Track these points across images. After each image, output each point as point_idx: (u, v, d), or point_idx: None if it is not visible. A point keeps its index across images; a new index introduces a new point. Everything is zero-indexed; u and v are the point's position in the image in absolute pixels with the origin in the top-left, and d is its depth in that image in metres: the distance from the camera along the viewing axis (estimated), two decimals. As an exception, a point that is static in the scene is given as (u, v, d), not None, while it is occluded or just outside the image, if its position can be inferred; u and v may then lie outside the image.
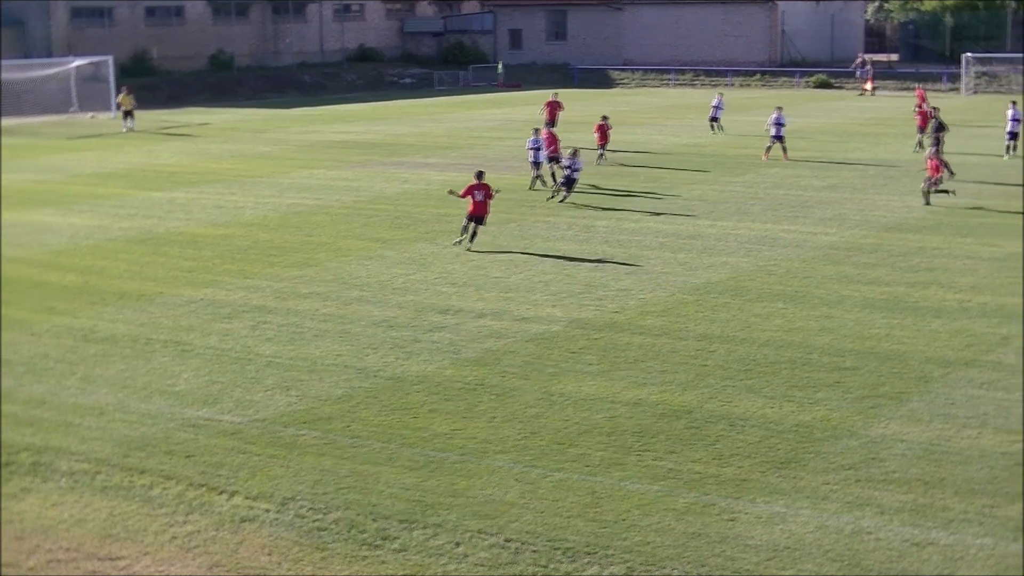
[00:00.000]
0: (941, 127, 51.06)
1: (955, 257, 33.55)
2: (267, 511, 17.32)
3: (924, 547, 16.13)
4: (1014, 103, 54.19)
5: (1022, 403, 21.38)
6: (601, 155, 52.47)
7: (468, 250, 34.39)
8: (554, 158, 45.64)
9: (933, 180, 41.29)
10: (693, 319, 27.52)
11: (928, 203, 40.84)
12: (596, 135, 52.59)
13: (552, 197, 42.89)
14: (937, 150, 44.58)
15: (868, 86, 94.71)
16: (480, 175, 35.34)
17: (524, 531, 16.61)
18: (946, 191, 41.36)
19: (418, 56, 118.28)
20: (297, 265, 33.15)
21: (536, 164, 46.27)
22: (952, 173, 45.85)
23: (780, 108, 55.81)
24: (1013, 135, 53.01)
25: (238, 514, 17.26)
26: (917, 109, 58.31)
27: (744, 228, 37.89)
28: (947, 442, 19.87)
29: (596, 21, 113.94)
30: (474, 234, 35.02)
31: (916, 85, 79.94)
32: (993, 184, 46.48)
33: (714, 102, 66.85)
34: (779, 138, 54.06)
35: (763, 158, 53.96)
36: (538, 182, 46.15)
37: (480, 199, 34.82)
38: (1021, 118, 52.94)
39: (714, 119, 65.60)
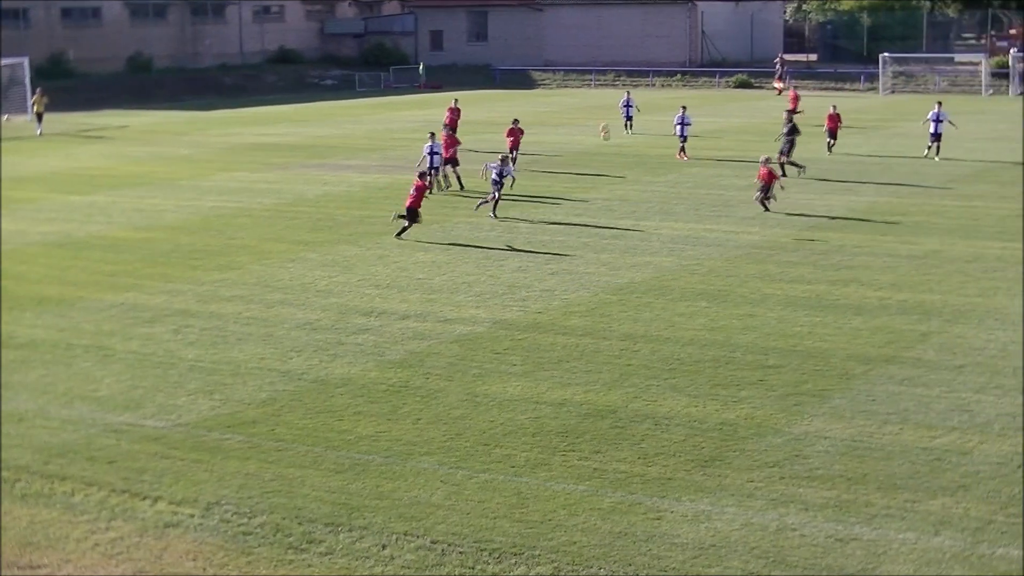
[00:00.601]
0: (794, 131, 49.41)
1: (875, 255, 33.87)
2: (191, 516, 17.17)
3: (848, 543, 16.26)
4: (939, 104, 54.00)
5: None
6: (512, 159, 50.00)
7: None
8: (450, 160, 45.70)
9: (764, 188, 40.19)
10: (617, 319, 27.59)
11: (767, 210, 40.27)
12: (507, 139, 50.55)
13: (485, 204, 40.95)
14: (786, 152, 45.33)
15: (778, 84, 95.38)
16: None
17: (450, 533, 16.57)
18: (767, 200, 40.34)
19: (339, 57, 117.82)
20: (219, 268, 32.93)
21: (434, 169, 44.50)
22: (801, 168, 47.15)
23: (684, 108, 56.30)
24: (936, 136, 52.69)
25: (162, 520, 17.10)
26: (788, 113, 55.03)
27: (667, 228, 38.04)
28: (869, 438, 20.05)
29: (517, 22, 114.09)
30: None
31: (792, 86, 78.86)
32: (911, 185, 46.95)
33: (622, 102, 67.18)
34: (682, 137, 55.03)
35: (677, 157, 54.40)
36: (435, 186, 44.47)
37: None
38: (945, 119, 52.73)
39: (628, 119, 65.94)
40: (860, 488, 18.02)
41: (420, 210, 36.60)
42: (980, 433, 20.19)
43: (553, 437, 20.23)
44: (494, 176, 40.17)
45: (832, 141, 55.43)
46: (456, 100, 59.73)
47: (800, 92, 77.67)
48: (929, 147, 53.19)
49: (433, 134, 46.02)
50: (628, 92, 70.88)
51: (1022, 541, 15.80)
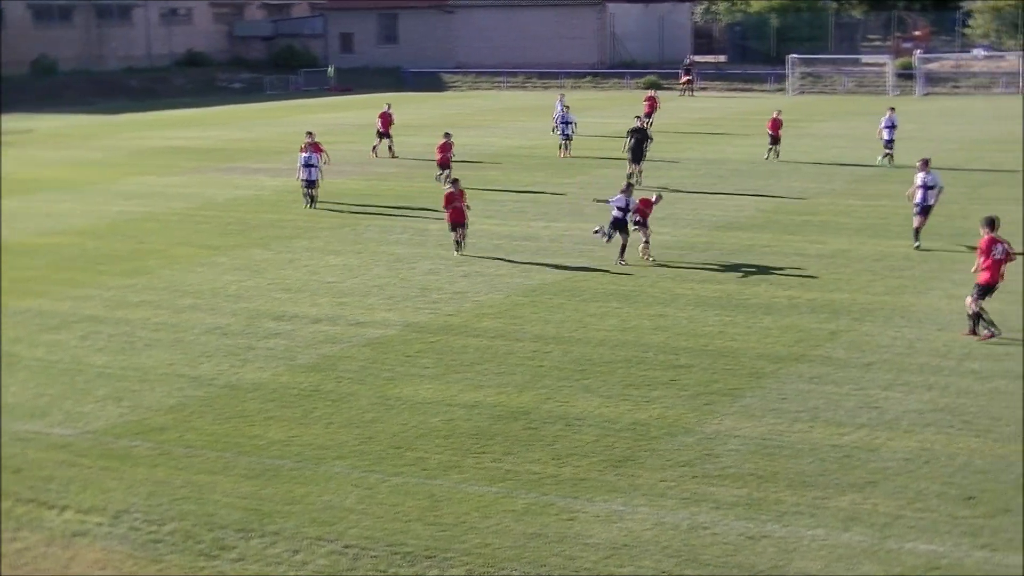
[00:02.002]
0: (641, 133, 47.96)
1: (784, 255, 34.14)
2: (100, 525, 16.97)
3: (759, 540, 16.36)
4: (892, 109, 53.32)
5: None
6: (441, 175, 46.49)
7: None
8: (446, 164, 45.64)
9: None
10: (529, 320, 27.61)
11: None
12: (438, 154, 48.26)
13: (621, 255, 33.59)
14: (637, 160, 46.19)
15: (684, 80, 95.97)
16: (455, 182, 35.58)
17: (363, 537, 16.50)
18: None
19: (248, 60, 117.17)
20: (127, 273, 32.59)
21: (310, 183, 42.61)
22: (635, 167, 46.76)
23: (567, 107, 56.69)
24: (890, 142, 51.76)
25: (69, 529, 16.88)
26: (643, 119, 53.47)
27: (577, 229, 38.11)
28: (779, 436, 20.19)
29: (428, 24, 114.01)
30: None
31: (650, 92, 77.56)
32: (818, 185, 47.39)
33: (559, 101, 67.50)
34: (566, 136, 55.72)
35: (559, 156, 54.96)
36: (312, 201, 42.79)
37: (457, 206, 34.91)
38: (897, 125, 52.17)
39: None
40: (771, 486, 18.14)
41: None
42: (888, 430, 20.40)
43: (466, 439, 20.20)
44: (616, 213, 33.47)
45: (773, 147, 54.36)
46: (389, 104, 59.37)
47: (711, 93, 78.43)
48: (887, 154, 51.98)
49: (308, 144, 43.50)
50: (562, 94, 71.07)
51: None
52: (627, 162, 47.26)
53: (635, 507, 17.46)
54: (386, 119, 57.00)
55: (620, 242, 33.06)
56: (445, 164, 47.62)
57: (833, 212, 40.92)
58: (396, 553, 16.01)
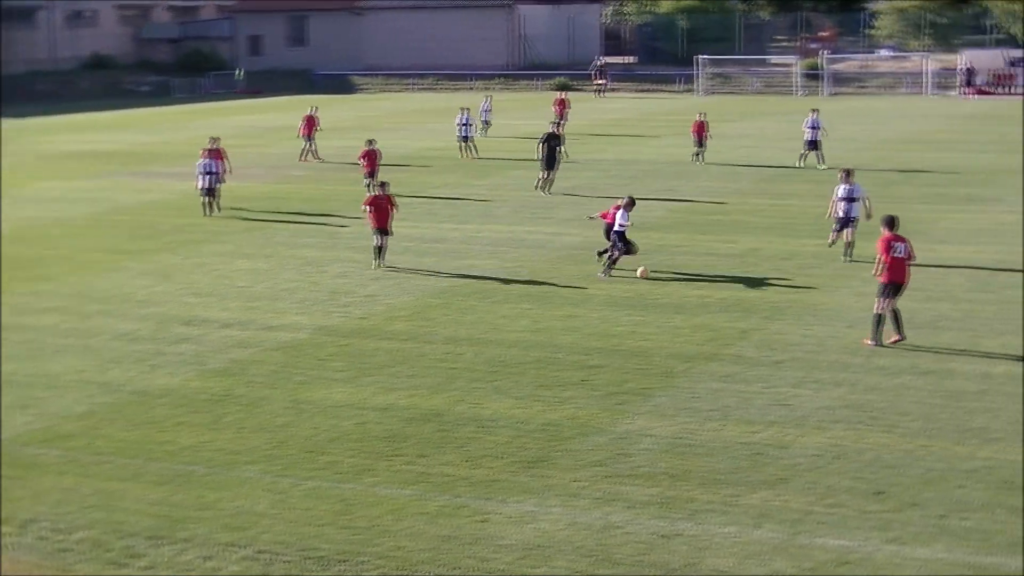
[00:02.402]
0: (554, 139, 46.30)
1: (695, 254, 34.34)
2: (6, 534, 16.71)
3: (672, 538, 16.43)
4: (814, 111, 53.14)
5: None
6: (370, 184, 42.94)
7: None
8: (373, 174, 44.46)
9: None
10: (440, 322, 27.57)
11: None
12: (363, 161, 46.15)
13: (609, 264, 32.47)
14: (550, 167, 45.03)
15: (598, 82, 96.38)
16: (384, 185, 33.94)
17: (276, 542, 16.39)
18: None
19: (155, 63, 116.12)
20: (34, 280, 32.17)
21: (209, 191, 41.58)
22: (549, 172, 45.76)
23: (466, 109, 56.96)
24: (812, 143, 51.49)
25: (-24, 539, 16.63)
26: (558, 124, 51.55)
27: (488, 230, 38.14)
28: (691, 435, 20.30)
29: (337, 26, 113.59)
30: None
31: (560, 94, 77.01)
32: (727, 185, 47.72)
33: (484, 105, 67.56)
34: (465, 138, 55.96)
35: (461, 158, 55.10)
36: (210, 209, 41.78)
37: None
38: (820, 126, 51.93)
39: (486, 123, 66.32)
40: (683, 484, 18.23)
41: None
42: (798, 427, 20.57)
43: (378, 442, 20.14)
44: (618, 227, 32.14)
45: (698, 149, 53.59)
46: (315, 107, 58.86)
47: (622, 94, 78.77)
48: (803, 155, 51.64)
49: (209, 151, 42.28)
50: (489, 96, 71.17)
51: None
52: (540, 168, 46.13)
53: (548, 507, 17.47)
54: (311, 122, 56.65)
55: (616, 256, 31.83)
56: (373, 172, 45.23)
57: (743, 212, 41.22)
58: (309, 558, 15.92)
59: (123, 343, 26.17)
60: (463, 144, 56.39)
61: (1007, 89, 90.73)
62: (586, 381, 23.19)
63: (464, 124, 56.53)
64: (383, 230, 32.93)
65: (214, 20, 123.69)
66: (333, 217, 40.95)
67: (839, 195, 32.56)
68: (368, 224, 33.40)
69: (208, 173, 41.55)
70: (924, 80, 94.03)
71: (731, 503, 17.54)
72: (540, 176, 45.83)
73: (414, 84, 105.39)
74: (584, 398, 22.22)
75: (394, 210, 33.49)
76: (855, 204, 32.52)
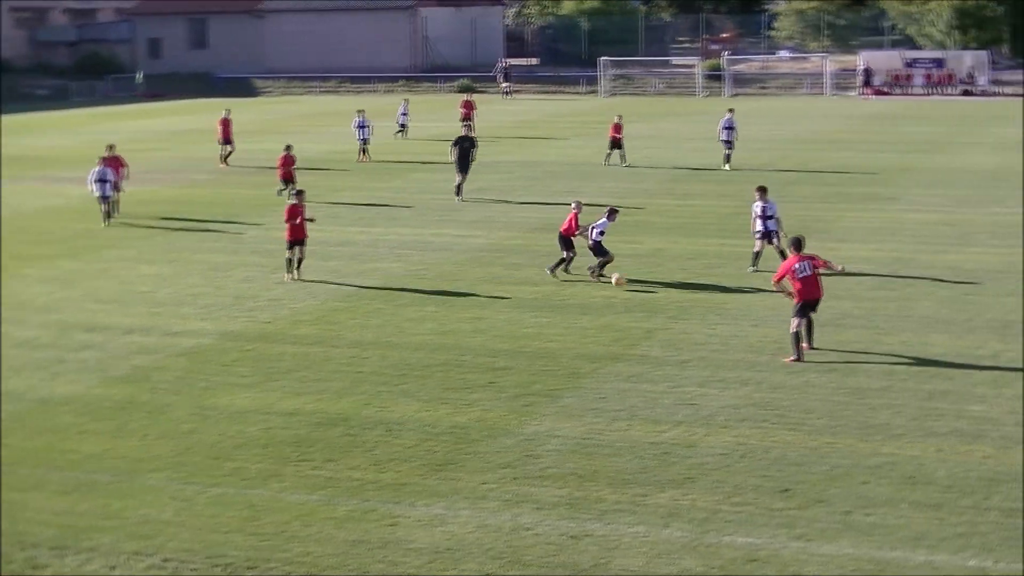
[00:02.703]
0: (466, 142, 45.10)
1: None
2: (-94, 547, 16.43)
3: (581, 539, 16.46)
4: (731, 111, 53.19)
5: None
6: (283, 191, 43.20)
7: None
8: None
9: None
10: (346, 326, 27.46)
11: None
12: (279, 168, 45.34)
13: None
14: (463, 170, 43.86)
15: (503, 84, 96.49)
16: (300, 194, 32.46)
17: (182, 549, 16.23)
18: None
19: (52, 66, 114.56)
20: (-69, 287, 31.64)
21: (105, 198, 40.35)
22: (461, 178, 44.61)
23: (362, 111, 56.61)
24: (728, 143, 51.39)
25: None
26: (470, 126, 52.12)
27: (394, 233, 38.04)
28: (599, 435, 20.36)
29: (238, 29, 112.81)
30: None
31: (466, 96, 76.07)
32: (632, 185, 47.93)
33: (401, 109, 67.55)
34: (364, 140, 55.74)
35: (359, 160, 55.23)
36: (108, 217, 40.60)
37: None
38: (735, 126, 51.84)
39: (403, 126, 66.14)
40: (591, 485, 18.28)
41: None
42: (705, 426, 20.70)
43: (285, 448, 20.01)
44: (596, 236, 31.78)
45: (611, 152, 52.92)
46: (228, 111, 58.01)
47: (523, 96, 78.87)
48: (727, 156, 51.55)
49: (104, 158, 41.15)
50: (405, 100, 70.93)
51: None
52: (455, 172, 44.94)
53: (457, 510, 17.45)
54: (226, 125, 55.89)
55: (603, 260, 31.33)
56: (288, 178, 44.50)
57: (647, 212, 41.41)
58: (216, 565, 15.78)
59: (23, 351, 25.79)
60: (361, 147, 56.07)
61: (904, 89, 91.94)
62: (493, 383, 23.18)
63: (361, 127, 56.18)
64: (298, 241, 31.66)
65: (112, 23, 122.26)
66: (237, 222, 40.65)
67: (756, 212, 31.98)
68: (286, 236, 31.79)
69: (101, 181, 40.38)
70: (824, 81, 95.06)
71: (639, 503, 17.61)
72: (457, 180, 44.47)
73: (317, 87, 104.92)
74: (491, 400, 22.21)
75: (307, 216, 32.08)
76: (771, 221, 31.89)
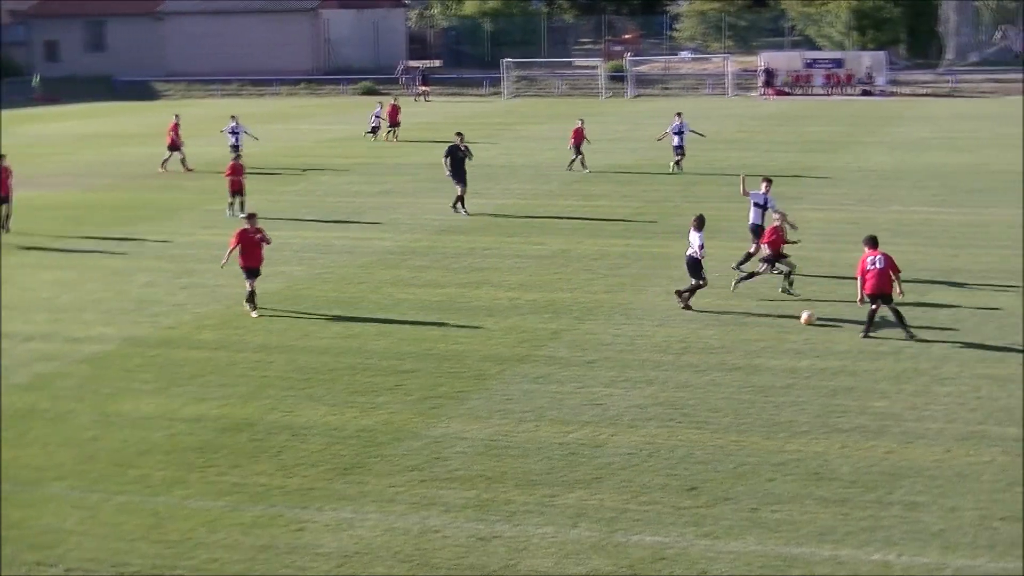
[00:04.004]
0: (460, 152, 42.97)
1: (504, 256, 34.47)
2: None
3: (490, 541, 16.45)
4: (680, 114, 52.25)
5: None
6: (233, 203, 41.69)
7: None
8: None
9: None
10: (251, 330, 27.25)
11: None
12: (227, 178, 42.35)
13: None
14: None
15: (423, 88, 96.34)
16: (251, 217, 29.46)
17: (86, 559, 16.02)
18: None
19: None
20: None
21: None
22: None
23: (236, 118, 55.65)
24: (680, 148, 50.79)
25: None
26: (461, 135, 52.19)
27: (298, 237, 37.81)
28: (506, 437, 20.36)
29: (137, 32, 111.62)
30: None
31: (392, 101, 74.41)
32: (536, 187, 48.01)
33: (375, 112, 67.27)
34: (235, 147, 54.46)
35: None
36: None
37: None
38: (687, 130, 51.12)
39: (375, 128, 65.83)
40: (499, 486, 18.27)
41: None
42: (612, 426, 20.76)
43: (190, 454, 19.82)
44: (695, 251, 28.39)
45: (576, 156, 51.65)
46: (177, 115, 56.92)
47: (427, 98, 78.71)
48: (677, 160, 50.90)
49: None
50: (379, 103, 70.32)
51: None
52: (452, 184, 42.12)
53: (365, 514, 17.38)
54: (175, 129, 54.98)
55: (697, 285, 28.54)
56: (237, 190, 41.82)
57: (551, 213, 41.48)
58: (121, 574, 15.61)
59: (-79, 359, 25.37)
60: (234, 155, 54.35)
61: (804, 90, 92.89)
62: (399, 386, 23.12)
63: (234, 133, 55.12)
64: (254, 270, 28.63)
65: (8, 25, 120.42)
66: (139, 226, 40.22)
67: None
68: (240, 264, 28.74)
69: None
70: (725, 81, 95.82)
71: (547, 503, 17.63)
72: (458, 191, 41.77)
73: (218, 90, 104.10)
74: (398, 403, 22.15)
75: (264, 239, 28.87)
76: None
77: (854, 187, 45.86)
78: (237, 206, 40.62)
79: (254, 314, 28.41)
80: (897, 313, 25.66)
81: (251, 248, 28.47)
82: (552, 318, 27.86)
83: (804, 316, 26.97)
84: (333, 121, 74.98)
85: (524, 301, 29.44)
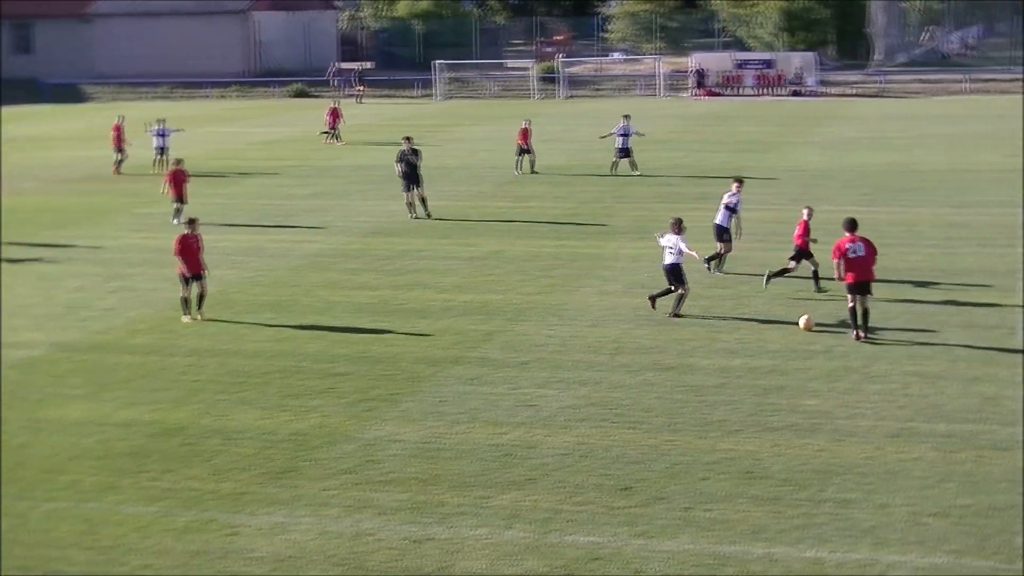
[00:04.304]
0: (414, 156, 41.93)
1: (437, 258, 34.44)
2: None
3: (424, 543, 16.44)
4: (626, 117, 52.05)
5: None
6: (178, 211, 40.25)
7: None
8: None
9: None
10: (182, 335, 27.08)
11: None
12: (169, 186, 41.07)
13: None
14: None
15: (359, 89, 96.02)
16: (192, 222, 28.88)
17: (15, 567, 15.86)
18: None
19: None
20: None
21: None
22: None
23: (162, 121, 55.05)
24: (624, 151, 50.24)
25: None
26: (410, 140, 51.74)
27: (229, 240, 37.57)
28: (440, 439, 20.34)
29: (65, 34, 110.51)
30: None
31: (332, 104, 73.67)
32: (467, 189, 47.98)
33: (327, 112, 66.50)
34: (160, 149, 53.71)
35: (156, 175, 53.30)
36: None
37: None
38: (632, 132, 50.80)
39: (331, 129, 65.06)
40: (433, 488, 18.26)
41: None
42: (545, 427, 20.80)
43: (121, 459, 19.67)
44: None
45: (520, 158, 50.93)
46: (122, 117, 56.09)
47: (363, 100, 78.44)
48: (615, 162, 50.39)
49: None
50: (335, 105, 69.75)
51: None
52: (401, 189, 41.75)
53: (299, 518, 17.32)
54: (119, 132, 54.33)
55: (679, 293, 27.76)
56: (181, 197, 40.74)
57: (484, 215, 41.49)
58: (52, 581, 15.47)
59: None
60: (158, 158, 53.78)
61: (735, 90, 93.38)
62: (333, 389, 23.05)
63: (159, 135, 54.40)
64: (196, 276, 28.20)
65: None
66: (68, 230, 39.86)
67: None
68: (179, 272, 28.34)
69: None
70: (657, 82, 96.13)
71: (481, 505, 17.63)
72: (406, 199, 41.35)
73: (148, 92, 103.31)
74: (331, 406, 22.08)
75: (202, 249, 28.62)
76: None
77: (785, 187, 46.15)
78: (178, 213, 39.96)
79: (185, 319, 28.09)
80: (866, 312, 25.61)
81: (192, 255, 28.02)
82: (485, 319, 27.86)
83: (803, 321, 26.45)
84: (264, 124, 74.67)
85: (457, 303, 29.43)
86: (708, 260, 31.33)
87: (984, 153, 54.08)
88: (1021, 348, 25.04)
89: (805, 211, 30.11)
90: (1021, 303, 28.47)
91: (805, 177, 48.53)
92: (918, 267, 31.87)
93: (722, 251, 31.71)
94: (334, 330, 27.21)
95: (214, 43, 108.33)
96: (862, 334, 25.46)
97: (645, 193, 45.23)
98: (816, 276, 29.51)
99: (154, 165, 53.30)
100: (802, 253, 29.71)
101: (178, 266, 27.99)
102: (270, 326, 27.66)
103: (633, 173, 49.95)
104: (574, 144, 56.76)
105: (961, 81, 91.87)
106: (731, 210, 31.58)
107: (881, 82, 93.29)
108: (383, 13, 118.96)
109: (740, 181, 32.43)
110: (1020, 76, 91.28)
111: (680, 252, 27.27)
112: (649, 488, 18.12)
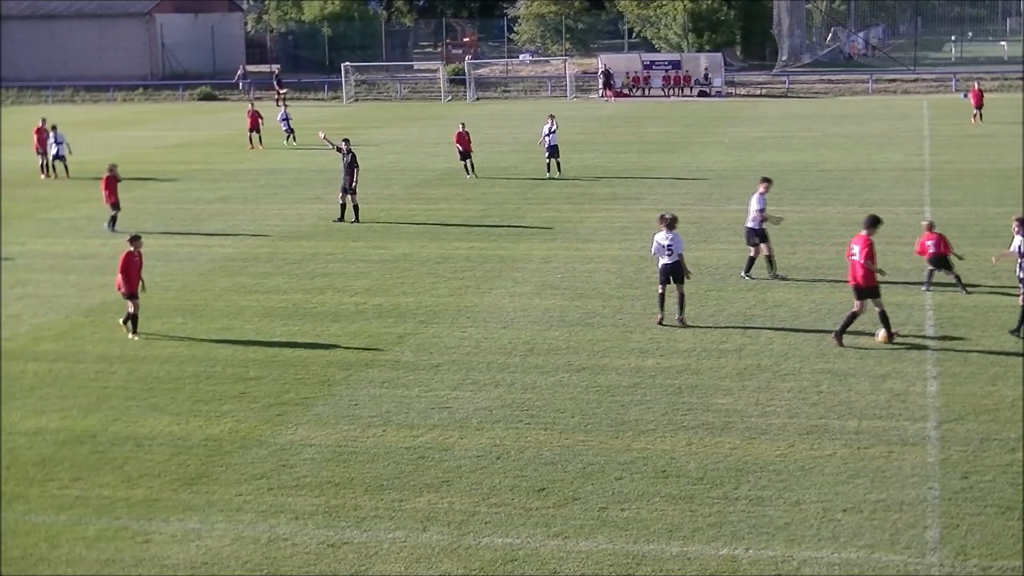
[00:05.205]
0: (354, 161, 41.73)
1: (348, 261, 34.29)
2: None
3: (339, 547, 16.37)
4: (552, 117, 51.60)
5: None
6: (114, 219, 39.93)
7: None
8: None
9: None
10: (90, 341, 26.77)
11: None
12: (104, 191, 40.06)
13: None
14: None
15: (281, 90, 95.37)
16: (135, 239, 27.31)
17: (-77, 579, 15.60)
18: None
19: None
20: None
21: None
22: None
23: (55, 127, 54.22)
24: (554, 149, 50.01)
25: None
26: (347, 142, 50.58)
27: (137, 244, 37.13)
28: (354, 442, 20.26)
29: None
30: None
31: (251, 107, 73.26)
32: (377, 191, 47.83)
33: (281, 114, 66.13)
34: (59, 157, 53.02)
35: (46, 176, 53.10)
36: None
37: None
38: (556, 130, 50.42)
39: (289, 130, 64.34)
40: (348, 492, 18.19)
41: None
42: (459, 429, 20.77)
43: (29, 468, 19.41)
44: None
45: (466, 161, 50.57)
46: (44, 119, 55.17)
47: (266, 103, 77.89)
48: (548, 162, 50.13)
49: None
50: (285, 105, 68.75)
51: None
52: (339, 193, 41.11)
53: (212, 524, 17.18)
54: (41, 135, 53.41)
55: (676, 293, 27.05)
56: (116, 203, 39.90)
57: (394, 217, 41.37)
58: (-40, 593, 15.22)
59: None
60: (53, 164, 52.90)
61: (643, 91, 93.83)
62: (245, 393, 22.89)
63: (57, 142, 53.69)
64: (132, 295, 26.93)
65: None
66: (-29, 236, 39.34)
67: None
68: (120, 289, 27.01)
69: None
70: (566, 83, 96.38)
71: (396, 508, 17.59)
72: (340, 202, 40.99)
73: (50, 96, 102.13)
74: (243, 411, 21.92)
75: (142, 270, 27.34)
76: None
77: (693, 186, 46.42)
78: (113, 221, 39.32)
79: (131, 336, 26.92)
80: (853, 317, 25.19)
81: (134, 272, 26.89)
82: (397, 322, 27.79)
83: (881, 335, 25.16)
84: (170, 127, 74.01)
85: (369, 306, 29.33)
86: (746, 271, 30.79)
87: (888, 152, 54.75)
88: (928, 345, 25.33)
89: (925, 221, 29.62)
90: (930, 304, 28.85)
91: (712, 177, 48.83)
92: (826, 265, 32.15)
93: (754, 255, 30.74)
94: (245, 335, 27.02)
95: (117, 46, 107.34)
96: (889, 333, 25.01)
97: (555, 194, 45.32)
98: (960, 281, 28.97)
99: (44, 169, 52.55)
100: (942, 261, 28.99)
101: (118, 281, 26.97)
102: (180, 331, 27.40)
103: (555, 175, 49.82)
104: (483, 146, 56.66)
105: (865, 81, 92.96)
106: (760, 211, 30.52)
107: (787, 83, 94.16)
108: (289, 16, 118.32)
109: (768, 181, 31.28)
110: (916, 76, 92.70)
111: (680, 255, 26.70)
112: (564, 489, 18.16)
